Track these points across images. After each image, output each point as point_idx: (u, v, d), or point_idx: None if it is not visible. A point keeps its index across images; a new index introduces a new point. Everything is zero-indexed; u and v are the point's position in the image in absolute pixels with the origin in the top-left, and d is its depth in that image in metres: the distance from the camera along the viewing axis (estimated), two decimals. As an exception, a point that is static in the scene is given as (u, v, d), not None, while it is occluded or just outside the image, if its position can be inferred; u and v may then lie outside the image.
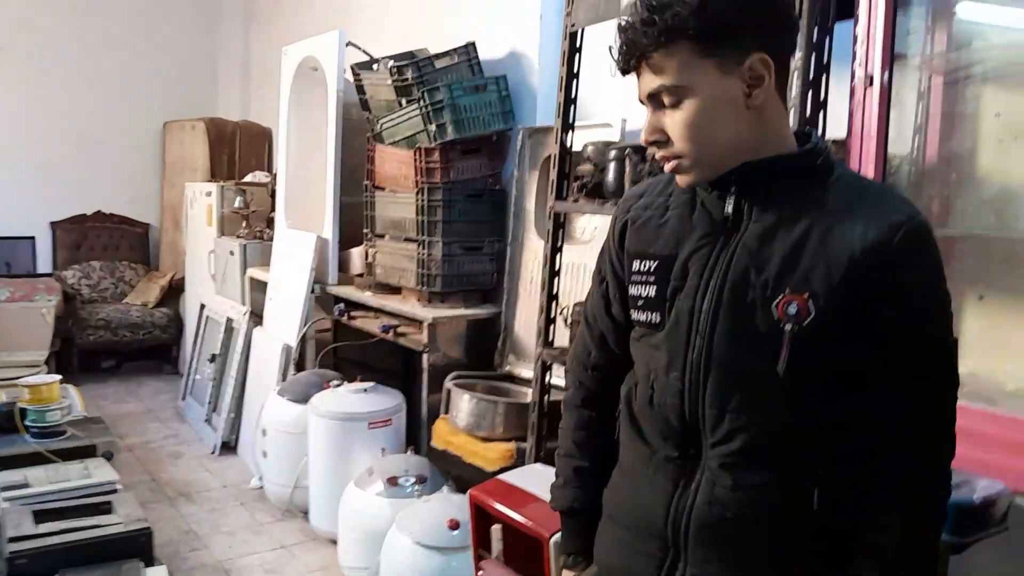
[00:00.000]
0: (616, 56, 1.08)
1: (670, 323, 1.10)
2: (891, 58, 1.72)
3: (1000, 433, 1.57)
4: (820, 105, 1.82)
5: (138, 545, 2.44)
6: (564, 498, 1.33)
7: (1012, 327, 1.81)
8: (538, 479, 2.07)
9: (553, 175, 2.51)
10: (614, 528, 1.22)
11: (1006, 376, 1.81)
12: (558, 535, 1.80)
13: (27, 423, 2.76)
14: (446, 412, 2.95)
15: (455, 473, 2.88)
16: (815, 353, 1.01)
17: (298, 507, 3.34)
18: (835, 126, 1.87)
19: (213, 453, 4.10)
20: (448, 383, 2.98)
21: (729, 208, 1.08)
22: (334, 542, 2.97)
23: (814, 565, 1.08)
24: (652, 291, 1.13)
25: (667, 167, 1.10)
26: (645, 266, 1.15)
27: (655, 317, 1.13)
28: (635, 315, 1.17)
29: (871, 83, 1.73)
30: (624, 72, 1.09)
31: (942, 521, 1.08)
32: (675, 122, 1.06)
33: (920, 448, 1.04)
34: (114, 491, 2.81)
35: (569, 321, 2.48)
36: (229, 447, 4.12)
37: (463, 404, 2.82)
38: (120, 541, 2.42)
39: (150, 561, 2.48)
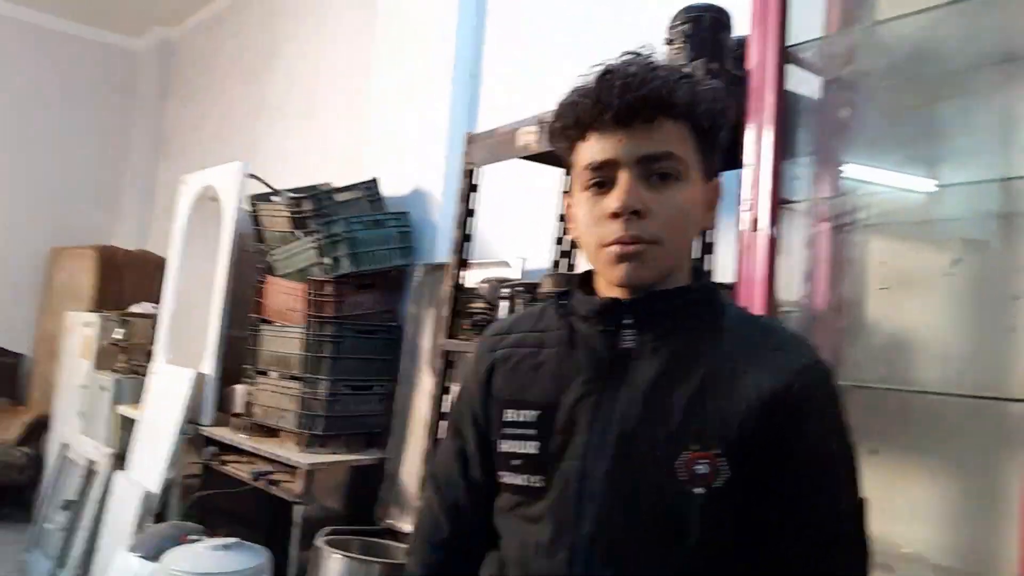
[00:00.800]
0: (627, 95, 0.89)
1: (556, 489, 0.92)
2: (777, 204, 1.69)
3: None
4: (707, 248, 1.78)
5: None
6: None
7: (906, 484, 1.71)
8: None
9: (445, 312, 2.39)
10: None
11: (900, 538, 1.69)
12: None
13: None
14: (315, 573, 2.63)
15: (321, 645, 2.52)
16: (726, 518, 0.87)
17: None
18: (723, 272, 1.82)
19: (51, 617, 3.57)
20: (318, 540, 2.68)
21: (628, 342, 0.93)
22: None
23: None
24: (533, 447, 0.94)
25: (623, 250, 0.91)
26: (522, 417, 0.96)
27: (536, 481, 0.94)
28: (507, 478, 0.97)
29: (756, 227, 1.69)
30: (625, 113, 0.89)
31: None
32: (666, 201, 0.91)
33: None
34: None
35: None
36: (71, 611, 3.60)
37: (332, 565, 2.51)
38: None
39: None
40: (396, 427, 3.01)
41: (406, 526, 2.83)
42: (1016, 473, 1.48)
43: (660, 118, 0.90)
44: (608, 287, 0.97)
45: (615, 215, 0.90)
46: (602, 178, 0.92)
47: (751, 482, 0.87)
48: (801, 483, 0.89)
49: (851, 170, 1.87)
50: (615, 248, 0.91)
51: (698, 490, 0.86)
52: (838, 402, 0.93)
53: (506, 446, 0.97)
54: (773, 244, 1.70)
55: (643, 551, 0.87)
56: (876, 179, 1.81)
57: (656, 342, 0.93)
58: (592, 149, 0.92)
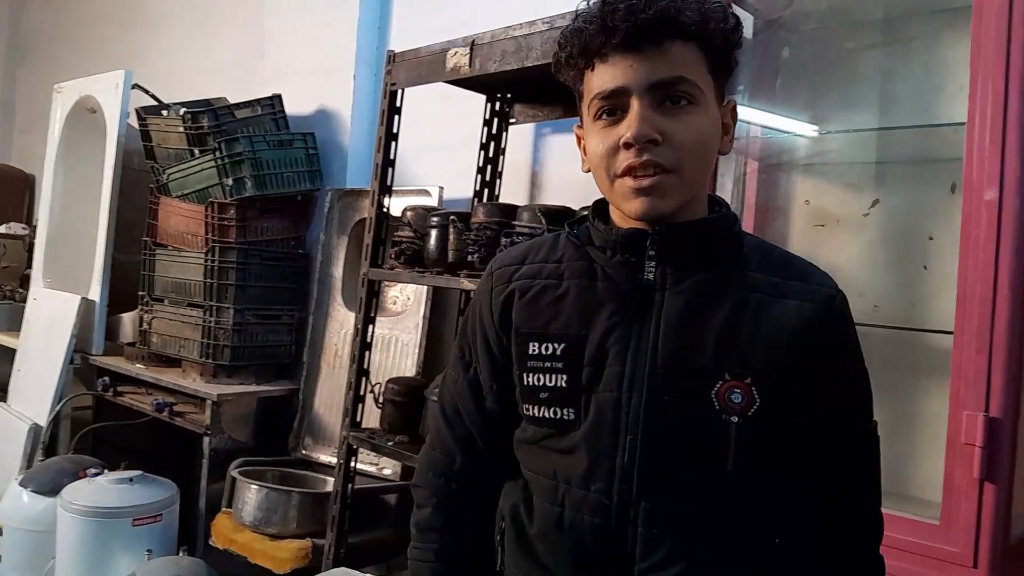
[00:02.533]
0: (633, 17, 0.84)
1: (589, 421, 0.91)
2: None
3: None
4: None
5: None
6: None
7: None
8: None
9: (368, 240, 2.32)
10: None
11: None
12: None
13: None
14: (229, 505, 2.58)
15: (238, 576, 2.49)
16: (763, 445, 0.89)
17: (36, 624, 2.75)
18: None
19: (-74, 559, 3.34)
20: (232, 471, 2.61)
21: (650, 275, 0.92)
22: (79, 667, 2.45)
23: None
24: (563, 380, 0.93)
25: (638, 183, 0.87)
26: (548, 349, 0.94)
27: (568, 413, 0.92)
28: (535, 411, 0.95)
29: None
30: (632, 37, 0.85)
31: None
32: (681, 127, 0.87)
33: (867, 535, 0.97)
34: None
35: (381, 400, 2.25)
36: (-52, 551, 3.37)
37: (250, 495, 2.47)
38: None
39: None
40: (308, 358, 2.93)
41: (322, 456, 2.80)
42: (929, 397, 1.61)
43: (670, 40, 0.86)
44: (624, 219, 0.94)
45: (628, 145, 0.87)
46: (613, 106, 0.88)
47: (784, 410, 0.89)
48: (839, 407, 0.93)
49: (782, 111, 1.92)
50: (630, 180, 0.88)
51: (734, 419, 0.87)
52: (855, 329, 0.96)
53: (532, 379, 0.95)
54: (712, 182, 1.73)
55: (680, 480, 0.88)
56: (806, 120, 1.88)
57: (680, 274, 0.92)
58: (601, 77, 0.89)
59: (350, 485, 2.29)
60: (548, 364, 0.94)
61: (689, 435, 0.88)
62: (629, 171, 0.88)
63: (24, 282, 3.86)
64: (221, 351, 2.86)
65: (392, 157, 2.36)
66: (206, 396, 2.75)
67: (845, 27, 1.80)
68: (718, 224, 0.95)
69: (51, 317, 3.36)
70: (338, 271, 2.96)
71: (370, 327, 2.31)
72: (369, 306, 2.31)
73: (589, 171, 0.95)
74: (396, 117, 2.34)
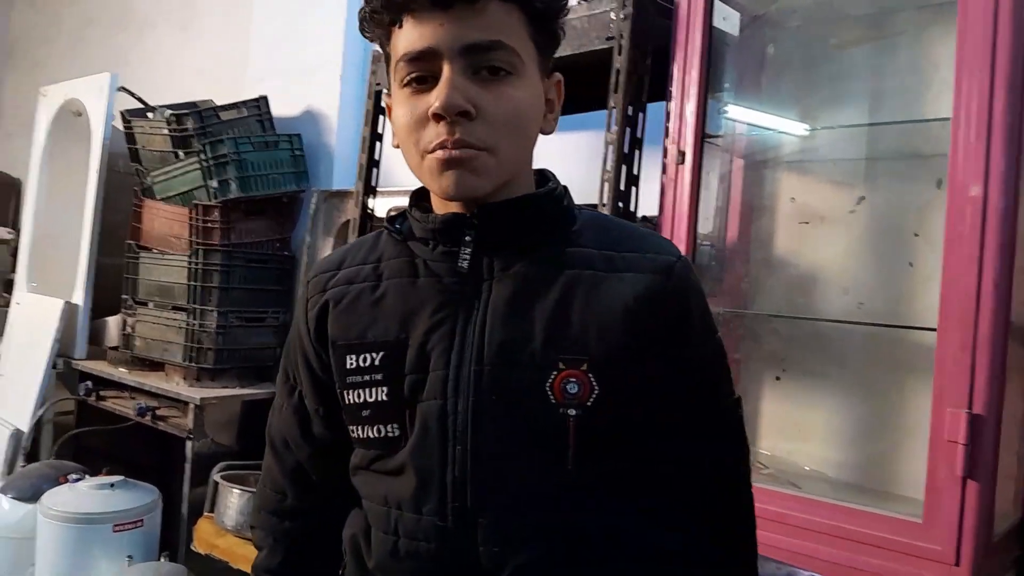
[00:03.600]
0: None
1: (415, 435, 0.81)
2: (702, 136, 1.71)
3: (807, 518, 1.52)
4: (633, 180, 1.78)
5: None
6: None
7: (811, 408, 1.83)
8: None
9: (352, 240, 2.29)
10: None
11: (805, 457, 1.81)
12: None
13: None
14: (211, 510, 2.55)
15: (220, 582, 2.46)
16: (606, 437, 0.80)
17: (14, 633, 2.71)
18: (648, 204, 1.83)
19: (-95, 567, 3.29)
20: (215, 475, 2.58)
21: (465, 262, 0.83)
22: (58, 676, 2.41)
23: None
24: (383, 393, 0.83)
25: (447, 155, 0.78)
26: (366, 360, 0.84)
27: (392, 429, 0.83)
28: (359, 431, 0.85)
29: (683, 160, 1.70)
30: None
31: None
32: (497, 99, 0.78)
33: (730, 514, 0.92)
34: None
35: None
36: (-72, 558, 3.33)
37: (232, 500, 2.43)
38: None
39: None
40: (293, 359, 2.90)
41: (306, 459, 2.77)
42: (913, 394, 1.59)
43: (490, 2, 0.77)
44: (443, 204, 0.85)
45: (438, 116, 0.77)
46: (422, 72, 0.78)
47: (627, 395, 0.81)
48: (686, 383, 0.85)
49: (768, 108, 1.91)
50: (439, 154, 0.78)
51: (572, 411, 0.78)
52: (704, 296, 0.88)
53: (352, 396, 0.85)
54: (697, 176, 1.72)
55: (519, 488, 0.80)
56: (792, 117, 1.87)
57: (506, 259, 0.83)
58: (408, 36, 0.78)
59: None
60: (367, 377, 0.84)
61: (524, 436, 0.80)
62: (439, 146, 0.78)
63: (8, 287, 3.82)
64: (204, 354, 2.83)
65: (377, 158, 2.34)
66: (189, 400, 2.71)
67: (831, 23, 1.80)
68: (544, 200, 0.86)
69: (34, 321, 3.33)
70: (323, 273, 2.93)
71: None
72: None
73: (398, 146, 0.84)
74: (381, 117, 2.33)
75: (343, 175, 3.01)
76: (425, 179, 0.82)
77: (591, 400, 0.79)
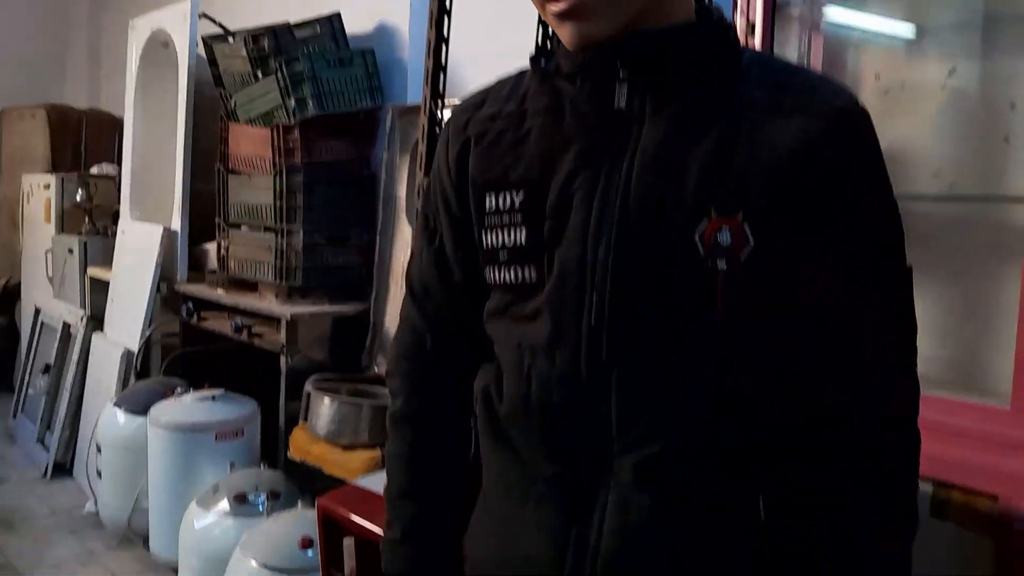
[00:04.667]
0: None
1: (552, 280, 0.77)
2: (773, 6, 1.57)
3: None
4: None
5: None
6: (401, 560, 0.92)
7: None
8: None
9: (421, 148, 2.27)
10: None
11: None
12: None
13: None
14: (305, 419, 2.64)
15: (315, 487, 2.57)
16: (756, 295, 0.74)
17: (137, 533, 2.93)
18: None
19: (44, 476, 3.61)
20: (308, 386, 2.67)
21: (622, 101, 0.76)
22: (176, 571, 2.60)
23: None
24: (522, 236, 0.79)
25: (557, 7, 0.74)
26: (506, 202, 0.80)
27: (529, 274, 0.79)
28: (496, 275, 0.82)
29: (752, 32, 1.57)
30: None
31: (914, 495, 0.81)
32: None
33: (896, 404, 0.79)
34: None
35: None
36: (63, 469, 3.63)
37: (323, 409, 2.51)
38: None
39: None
40: (378, 278, 2.95)
41: (393, 372, 2.83)
42: (1003, 281, 1.46)
43: None
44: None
45: None
46: None
47: (785, 251, 0.74)
48: (852, 245, 0.76)
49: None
50: (552, 7, 0.74)
51: (722, 264, 0.72)
52: (880, 152, 0.77)
53: (490, 238, 0.82)
54: (768, 48, 1.59)
55: (657, 342, 0.75)
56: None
57: (661, 97, 0.76)
58: None
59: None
60: (506, 218, 0.80)
61: (666, 289, 0.74)
62: None
63: (116, 219, 4.03)
64: (293, 273, 2.90)
65: (443, 63, 2.28)
66: (280, 316, 2.80)
67: None
68: (703, 31, 0.78)
69: (138, 249, 3.50)
70: (402, 191, 2.93)
71: (427, 238, 2.28)
72: (425, 216, 2.27)
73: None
74: (446, 19, 2.26)
75: (417, 90, 2.96)
76: (555, 29, 0.78)
77: (744, 254, 0.72)
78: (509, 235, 0.80)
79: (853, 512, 0.78)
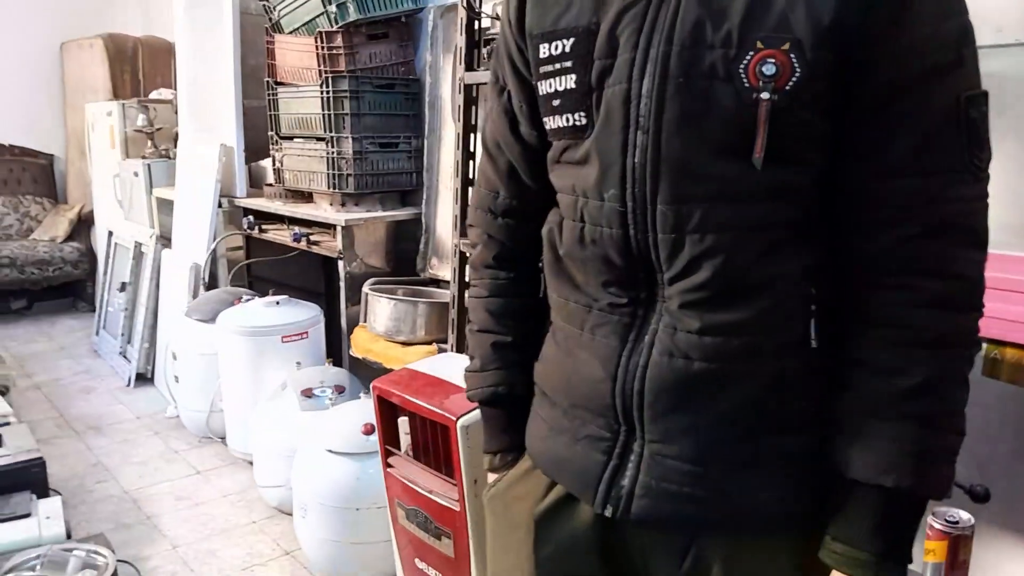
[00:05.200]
0: None
1: (599, 122, 0.79)
2: None
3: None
4: None
5: (29, 476, 2.31)
6: (483, 385, 1.03)
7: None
8: (449, 365, 1.87)
9: (461, 42, 2.26)
10: (550, 411, 0.93)
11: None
12: (467, 417, 1.62)
13: None
14: (364, 320, 2.74)
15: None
16: (801, 129, 0.73)
17: (215, 432, 3.13)
18: None
19: (128, 385, 3.84)
20: (366, 288, 2.76)
21: None
22: (252, 463, 2.77)
23: (812, 429, 0.80)
24: (571, 81, 0.81)
25: None
26: (557, 48, 0.82)
27: (579, 118, 0.81)
28: (551, 122, 0.85)
29: None
30: None
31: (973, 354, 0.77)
32: None
33: (946, 253, 0.74)
34: (6, 424, 2.62)
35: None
36: (145, 378, 3.86)
37: (381, 308, 2.60)
38: (9, 473, 2.28)
39: (44, 492, 2.32)
40: (428, 182, 2.98)
41: (447, 274, 2.89)
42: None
43: None
44: None
45: None
46: None
47: (836, 81, 0.72)
48: (911, 73, 0.71)
49: None
50: None
51: (766, 95, 0.71)
52: None
53: (545, 86, 0.85)
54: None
55: (700, 176, 0.75)
56: None
57: None
58: None
59: (466, 290, 2.35)
60: (558, 65, 0.83)
61: (711, 123, 0.74)
62: None
63: (176, 141, 4.14)
64: (346, 180, 2.95)
65: (480, -48, 2.24)
66: (335, 223, 2.87)
67: None
68: None
69: (198, 167, 3.60)
70: (447, 91, 2.93)
71: (471, 135, 2.29)
72: (468, 113, 2.27)
73: None
74: (481, -94, 2.21)
75: (459, -13, 2.93)
76: None
77: (790, 84, 0.71)
78: (560, 81, 0.83)
79: (907, 328, 0.75)
